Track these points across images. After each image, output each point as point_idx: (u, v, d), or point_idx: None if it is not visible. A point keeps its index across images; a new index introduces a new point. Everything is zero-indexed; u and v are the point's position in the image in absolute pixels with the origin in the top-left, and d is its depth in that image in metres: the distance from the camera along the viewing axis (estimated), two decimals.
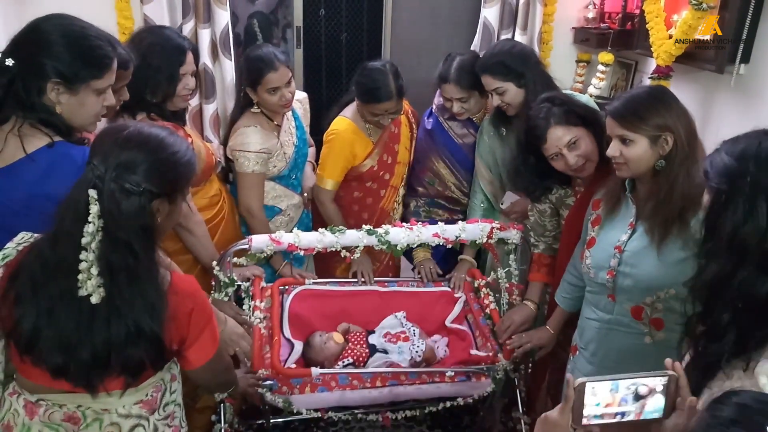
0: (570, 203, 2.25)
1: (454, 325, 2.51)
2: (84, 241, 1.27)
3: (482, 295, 2.52)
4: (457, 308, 2.58)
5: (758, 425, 0.88)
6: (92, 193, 1.28)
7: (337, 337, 2.36)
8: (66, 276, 1.29)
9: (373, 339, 2.39)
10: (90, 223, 1.27)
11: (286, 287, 2.51)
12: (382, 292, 2.61)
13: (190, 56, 2.29)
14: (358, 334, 2.41)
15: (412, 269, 2.82)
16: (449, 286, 2.66)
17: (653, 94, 1.77)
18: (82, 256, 1.27)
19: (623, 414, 1.13)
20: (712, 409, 0.93)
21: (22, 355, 1.35)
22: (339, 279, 2.68)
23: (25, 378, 1.43)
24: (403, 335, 2.40)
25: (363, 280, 2.61)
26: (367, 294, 2.60)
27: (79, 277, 1.28)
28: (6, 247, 1.44)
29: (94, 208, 1.28)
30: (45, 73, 1.57)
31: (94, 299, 1.28)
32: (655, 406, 1.13)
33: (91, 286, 1.28)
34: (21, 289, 1.33)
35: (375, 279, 2.65)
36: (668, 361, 1.18)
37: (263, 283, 2.41)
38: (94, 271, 1.28)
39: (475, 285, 2.59)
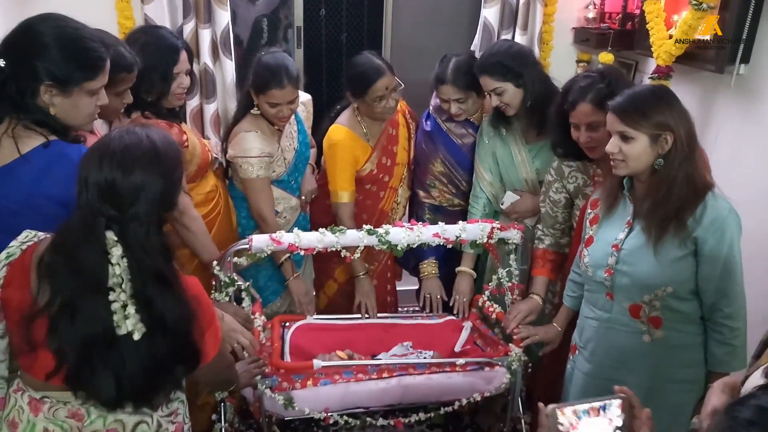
0: (588, 192, 2.23)
1: (465, 348, 2.50)
2: (112, 282, 1.28)
3: (485, 307, 2.50)
4: (464, 334, 2.54)
5: None
6: (110, 235, 1.28)
7: (341, 354, 2.34)
8: (99, 317, 1.29)
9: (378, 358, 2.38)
10: (116, 265, 1.27)
11: (287, 323, 2.49)
12: (386, 325, 2.59)
13: (184, 55, 2.29)
14: (362, 357, 2.39)
15: (417, 290, 2.79)
16: (453, 313, 2.64)
17: (656, 92, 1.78)
18: (112, 297, 1.28)
19: None
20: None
21: (80, 394, 1.38)
22: (341, 315, 2.65)
23: (30, 376, 1.44)
24: (411, 355, 2.39)
25: (366, 315, 2.60)
26: (370, 327, 2.57)
27: (114, 318, 1.28)
28: (10, 245, 1.44)
29: (117, 252, 1.27)
30: (38, 76, 1.56)
31: (136, 336, 1.29)
32: (616, 427, 1.19)
33: (131, 324, 1.28)
34: (58, 337, 1.31)
35: (378, 315, 2.62)
36: (616, 387, 1.24)
37: (261, 317, 2.36)
38: (131, 309, 1.28)
39: (479, 304, 2.56)
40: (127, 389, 1.34)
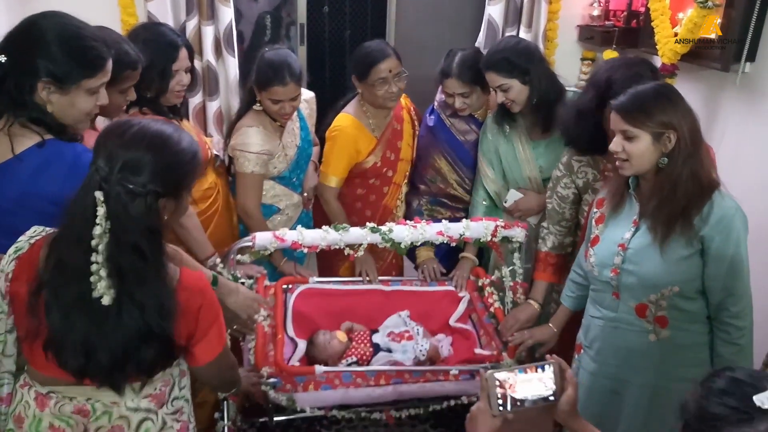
0: (598, 188, 2.19)
1: (458, 325, 2.50)
2: (93, 243, 1.28)
3: (486, 294, 2.51)
4: (461, 307, 2.56)
5: (746, 395, 0.93)
6: (99, 195, 1.28)
7: (341, 335, 2.36)
8: (80, 279, 1.30)
9: (376, 338, 2.39)
10: (97, 225, 1.28)
11: (290, 286, 2.50)
12: (386, 291, 2.60)
13: (183, 53, 2.29)
14: (361, 333, 2.40)
15: (415, 268, 2.82)
16: (453, 286, 2.66)
17: (659, 90, 1.76)
18: (93, 257, 1.28)
19: (539, 398, 1.31)
20: (707, 381, 0.98)
21: (56, 361, 1.36)
22: (342, 278, 2.67)
23: (36, 370, 1.44)
24: (406, 334, 2.39)
25: (368, 279, 2.61)
26: (370, 293, 2.59)
27: (92, 279, 1.29)
28: (18, 240, 1.44)
29: (101, 211, 1.28)
30: (36, 72, 1.56)
31: (105, 301, 1.29)
32: (550, 390, 1.33)
33: (102, 287, 1.29)
34: (47, 298, 1.33)
35: (379, 278, 2.64)
36: (547, 355, 1.38)
37: (266, 282, 2.41)
38: (103, 273, 1.29)
39: (479, 284, 2.59)
40: (92, 360, 1.33)
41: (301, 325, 2.39)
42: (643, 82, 1.87)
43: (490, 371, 1.28)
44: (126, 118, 1.46)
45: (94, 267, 1.28)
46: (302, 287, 2.50)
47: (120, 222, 1.29)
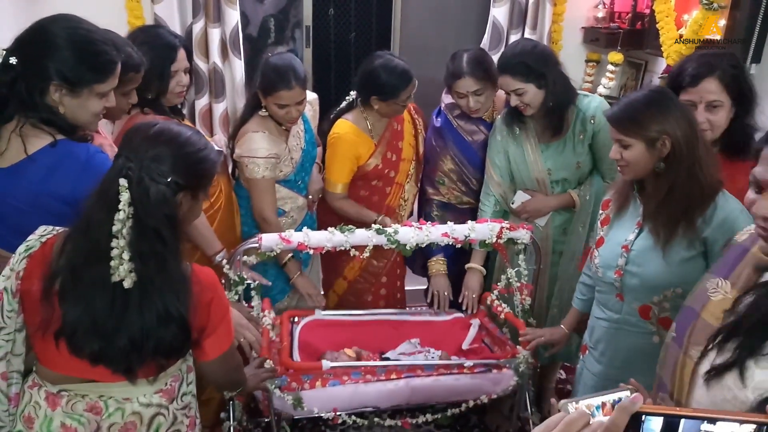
0: None
1: (472, 346, 2.50)
2: (115, 228, 1.32)
3: (493, 306, 2.50)
4: (472, 332, 2.55)
5: None
6: (122, 182, 1.33)
7: (349, 351, 2.35)
8: (99, 263, 1.33)
9: (385, 355, 2.39)
10: (120, 210, 1.32)
11: (296, 319, 2.50)
12: (394, 321, 2.59)
13: (182, 53, 2.32)
14: (370, 354, 2.39)
15: (425, 290, 2.80)
16: (462, 310, 2.64)
17: (651, 98, 1.77)
18: (114, 243, 1.32)
19: None
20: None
21: (69, 347, 1.38)
22: (350, 311, 2.66)
23: (46, 368, 1.45)
24: (417, 353, 2.39)
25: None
26: (378, 323, 2.58)
27: (112, 263, 1.32)
28: (28, 239, 1.46)
29: (125, 196, 1.33)
30: (48, 75, 1.58)
31: (126, 284, 1.33)
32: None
33: (123, 271, 1.32)
34: (63, 284, 1.36)
35: (385, 311, 2.65)
36: (632, 380, 1.31)
37: (273, 313, 2.37)
38: (126, 256, 1.32)
39: (488, 302, 2.57)
40: (110, 345, 1.35)
41: (307, 353, 2.38)
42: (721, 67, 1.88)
43: (564, 401, 1.16)
44: (150, 118, 1.49)
45: (115, 251, 1.32)
46: (308, 318, 2.50)
47: (142, 207, 1.34)
